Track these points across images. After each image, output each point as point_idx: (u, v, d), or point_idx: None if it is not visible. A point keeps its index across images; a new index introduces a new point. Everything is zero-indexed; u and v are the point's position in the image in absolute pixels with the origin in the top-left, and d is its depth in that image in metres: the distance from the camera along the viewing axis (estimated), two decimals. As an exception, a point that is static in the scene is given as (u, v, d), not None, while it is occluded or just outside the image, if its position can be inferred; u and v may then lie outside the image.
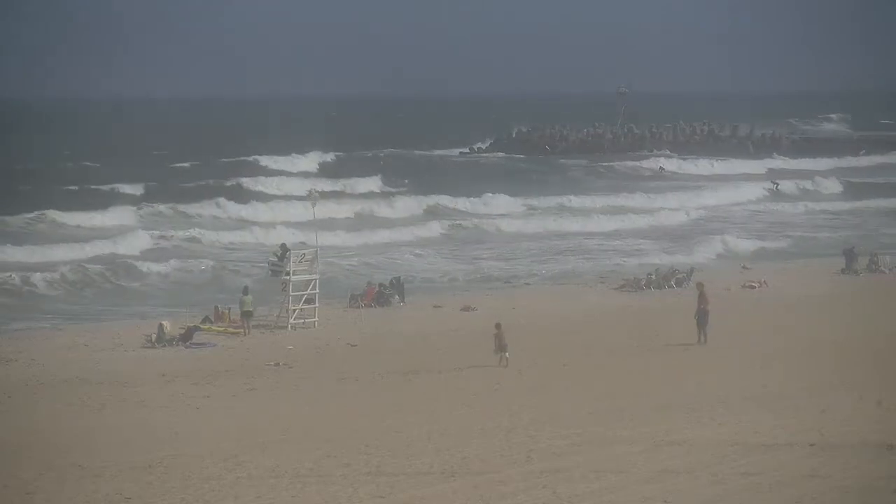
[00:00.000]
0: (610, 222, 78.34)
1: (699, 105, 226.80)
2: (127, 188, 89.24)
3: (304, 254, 45.04)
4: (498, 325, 35.83)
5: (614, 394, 30.76)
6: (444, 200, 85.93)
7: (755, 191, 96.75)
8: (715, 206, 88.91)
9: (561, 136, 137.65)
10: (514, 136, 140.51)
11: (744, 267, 58.10)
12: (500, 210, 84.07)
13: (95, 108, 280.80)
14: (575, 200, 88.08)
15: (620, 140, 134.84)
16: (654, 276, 52.58)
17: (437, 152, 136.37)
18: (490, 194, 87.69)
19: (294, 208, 78.11)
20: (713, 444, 24.54)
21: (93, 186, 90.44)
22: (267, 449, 25.51)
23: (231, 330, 42.49)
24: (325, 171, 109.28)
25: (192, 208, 79.44)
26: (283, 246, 46.35)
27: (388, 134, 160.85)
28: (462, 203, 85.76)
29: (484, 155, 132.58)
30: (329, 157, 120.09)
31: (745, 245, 66.19)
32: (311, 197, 49.43)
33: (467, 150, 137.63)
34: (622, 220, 79.15)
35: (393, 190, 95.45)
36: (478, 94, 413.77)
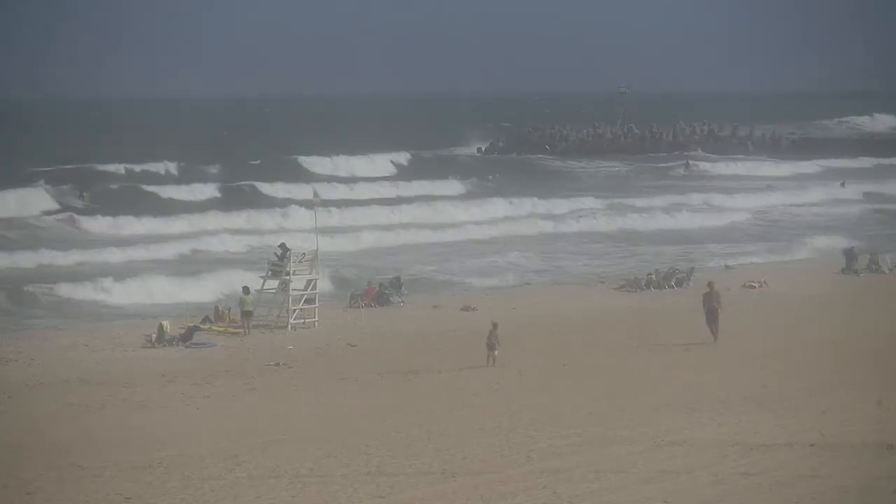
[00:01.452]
0: (687, 221, 78.71)
1: (700, 105, 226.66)
2: (183, 191, 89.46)
3: (304, 254, 45.06)
4: (494, 325, 35.87)
5: (614, 394, 30.75)
6: (531, 202, 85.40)
7: (828, 191, 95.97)
8: (778, 205, 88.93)
9: (561, 136, 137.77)
10: (512, 137, 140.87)
11: (727, 266, 58.11)
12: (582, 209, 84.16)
13: (120, 108, 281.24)
14: (639, 201, 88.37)
15: (620, 140, 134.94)
16: (654, 277, 52.58)
17: (436, 152, 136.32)
18: (574, 196, 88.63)
19: (373, 212, 79.69)
20: (713, 444, 24.53)
21: (145, 187, 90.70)
22: (267, 449, 25.50)
23: (231, 330, 42.49)
24: (400, 173, 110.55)
25: (269, 214, 77.94)
26: (282, 246, 46.33)
27: (388, 133, 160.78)
28: (549, 205, 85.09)
29: (504, 156, 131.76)
30: (395, 157, 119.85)
31: (829, 243, 65.44)
32: (314, 201, 49.64)
33: (475, 149, 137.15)
34: (698, 219, 79.46)
35: (477, 190, 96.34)
36: (476, 94, 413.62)
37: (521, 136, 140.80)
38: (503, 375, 34.05)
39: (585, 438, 25.49)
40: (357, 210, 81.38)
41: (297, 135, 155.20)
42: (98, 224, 73.23)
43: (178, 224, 73.31)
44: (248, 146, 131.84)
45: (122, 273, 54.66)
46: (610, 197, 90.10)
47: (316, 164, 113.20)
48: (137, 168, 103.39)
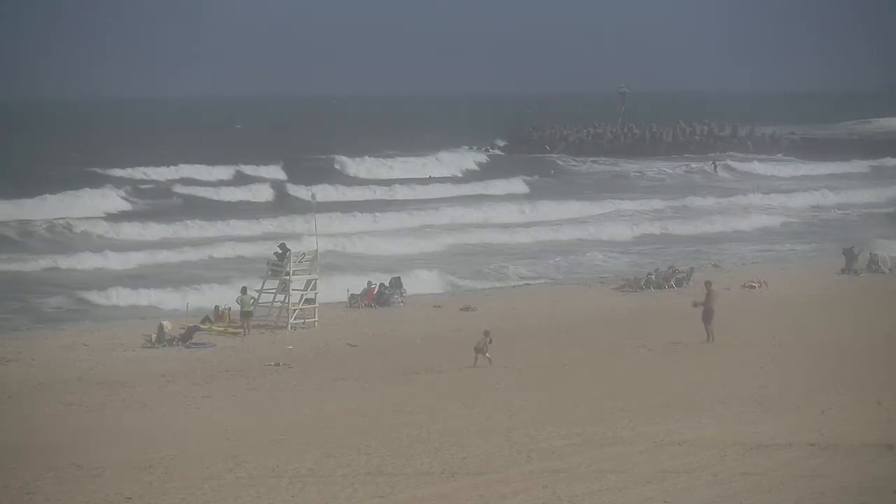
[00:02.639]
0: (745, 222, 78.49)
1: (707, 105, 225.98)
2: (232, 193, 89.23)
3: (304, 254, 45.06)
4: (486, 332, 36.00)
5: (614, 394, 30.75)
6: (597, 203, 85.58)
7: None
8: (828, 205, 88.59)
9: (561, 136, 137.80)
10: (512, 137, 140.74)
11: (714, 266, 58.00)
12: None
13: (133, 109, 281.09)
14: (698, 201, 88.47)
15: (620, 140, 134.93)
16: (653, 277, 52.57)
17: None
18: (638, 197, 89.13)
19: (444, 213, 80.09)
20: (713, 444, 24.55)
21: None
22: (267, 449, 25.51)
23: (231, 330, 42.49)
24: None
25: (339, 218, 75.08)
26: (282, 245, 46.34)
27: (392, 134, 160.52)
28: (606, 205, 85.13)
29: (509, 155, 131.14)
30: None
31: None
32: (312, 199, 49.67)
33: (485, 149, 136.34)
34: (754, 220, 79.15)
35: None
36: (475, 95, 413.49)
37: (522, 136, 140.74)
38: (503, 375, 34.06)
39: (585, 438, 25.51)
40: (430, 211, 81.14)
41: (320, 135, 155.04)
42: (149, 228, 71.45)
43: (227, 228, 71.92)
44: (285, 146, 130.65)
45: (183, 279, 53.94)
46: (670, 198, 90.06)
47: (349, 165, 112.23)
48: (179, 170, 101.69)
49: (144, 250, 62.27)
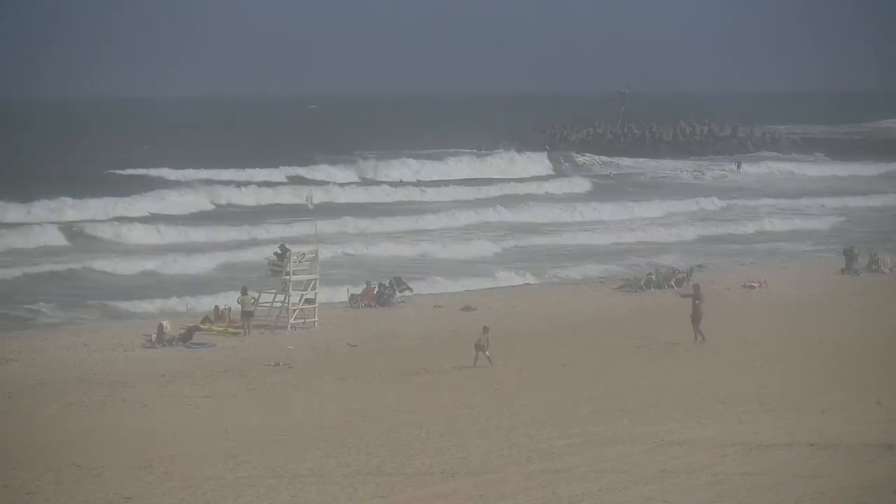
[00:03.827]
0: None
1: (707, 104, 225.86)
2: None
3: (304, 254, 45.07)
4: (485, 328, 36.11)
5: (614, 394, 30.76)
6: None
7: None
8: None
9: (561, 136, 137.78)
10: (513, 137, 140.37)
11: (699, 266, 57.94)
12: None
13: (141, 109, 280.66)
14: (750, 202, 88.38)
15: (620, 140, 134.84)
16: (654, 277, 52.56)
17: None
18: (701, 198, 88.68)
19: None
20: (713, 444, 24.54)
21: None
22: (267, 449, 25.51)
23: (231, 330, 42.50)
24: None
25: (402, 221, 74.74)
26: (282, 246, 46.35)
27: (396, 134, 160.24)
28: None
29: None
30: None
31: None
32: (307, 200, 49.67)
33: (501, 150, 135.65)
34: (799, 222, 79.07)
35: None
36: (474, 94, 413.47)
37: (523, 137, 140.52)
38: (503, 375, 34.06)
39: (585, 438, 25.51)
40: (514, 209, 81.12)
41: (328, 136, 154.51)
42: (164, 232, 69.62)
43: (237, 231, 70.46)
44: (307, 146, 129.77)
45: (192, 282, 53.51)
46: (728, 198, 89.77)
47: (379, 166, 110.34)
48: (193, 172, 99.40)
49: (157, 253, 61.54)
